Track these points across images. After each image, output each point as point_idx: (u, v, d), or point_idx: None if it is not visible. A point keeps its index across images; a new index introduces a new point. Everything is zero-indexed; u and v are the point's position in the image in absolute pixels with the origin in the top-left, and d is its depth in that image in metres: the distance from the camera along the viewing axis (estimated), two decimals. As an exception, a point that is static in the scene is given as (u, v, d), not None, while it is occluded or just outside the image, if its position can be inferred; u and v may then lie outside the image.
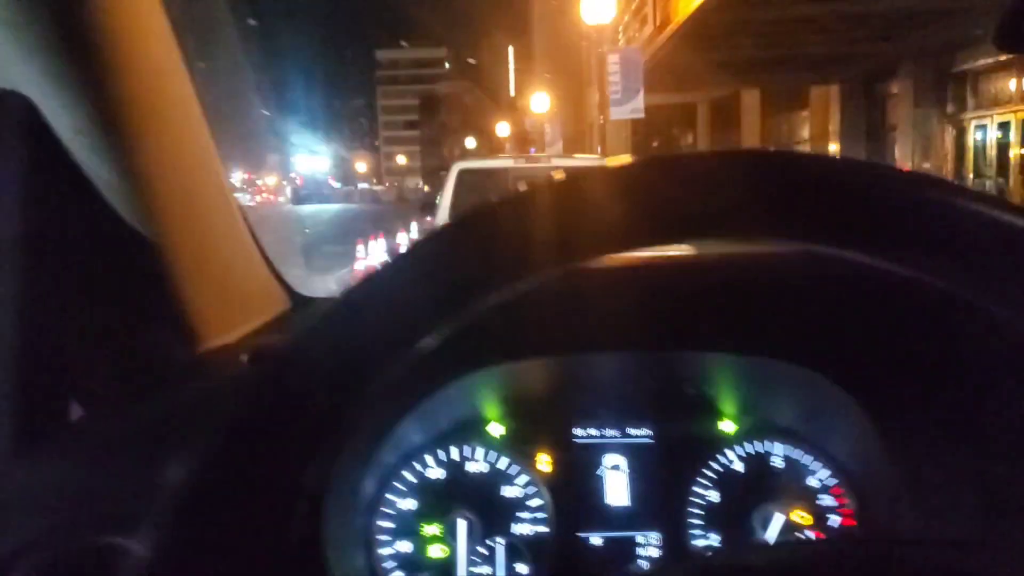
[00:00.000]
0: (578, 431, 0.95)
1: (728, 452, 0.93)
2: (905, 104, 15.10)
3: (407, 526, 0.90)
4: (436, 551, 0.89)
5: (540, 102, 31.86)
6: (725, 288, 0.84)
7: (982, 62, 13.22)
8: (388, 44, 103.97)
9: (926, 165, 14.54)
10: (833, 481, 0.91)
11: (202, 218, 0.90)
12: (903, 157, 15.25)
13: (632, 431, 0.95)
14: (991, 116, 13.36)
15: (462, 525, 0.88)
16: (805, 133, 19.91)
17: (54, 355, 0.77)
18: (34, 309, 0.73)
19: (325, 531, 0.77)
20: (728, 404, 0.95)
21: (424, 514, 0.90)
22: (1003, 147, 13.06)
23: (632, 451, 0.94)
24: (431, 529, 0.89)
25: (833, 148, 17.73)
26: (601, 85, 17.44)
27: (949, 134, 14.54)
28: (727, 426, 0.95)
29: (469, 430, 0.94)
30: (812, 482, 0.92)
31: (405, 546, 0.89)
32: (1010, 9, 0.86)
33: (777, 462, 0.93)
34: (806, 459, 0.92)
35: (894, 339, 0.78)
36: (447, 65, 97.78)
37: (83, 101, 0.72)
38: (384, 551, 0.89)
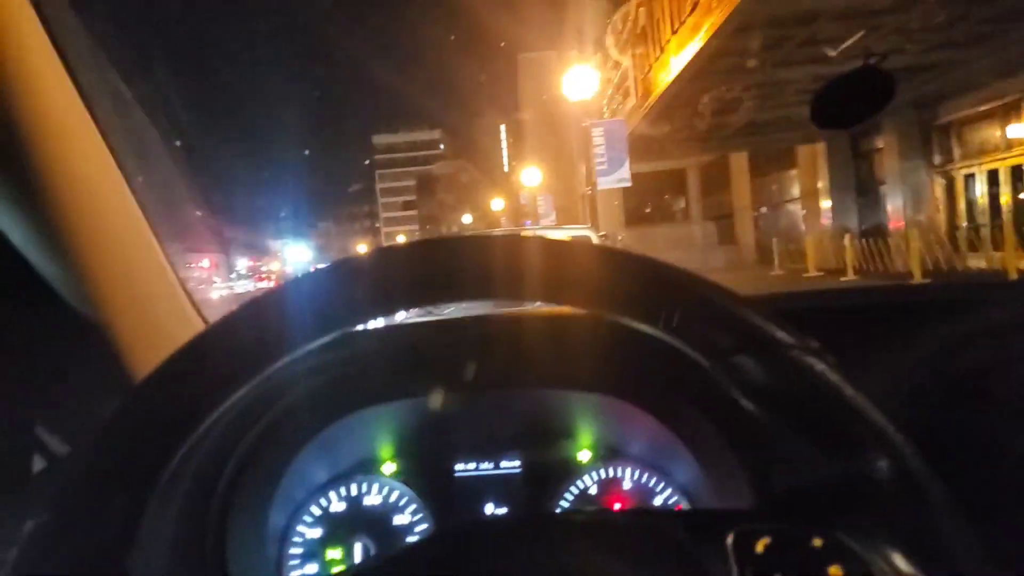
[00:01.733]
0: (459, 466, 1.07)
1: (585, 477, 1.05)
2: (892, 158, 15.18)
3: (313, 551, 1.02)
4: (337, 571, 1.01)
5: (532, 176, 32.30)
6: (565, 336, 0.97)
7: (964, 112, 13.31)
8: (384, 129, 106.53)
9: (920, 217, 14.48)
10: (675, 499, 1.03)
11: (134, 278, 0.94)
12: (894, 210, 15.23)
13: (504, 463, 1.07)
14: (979, 165, 13.37)
15: (359, 548, 1.01)
16: (796, 191, 19.99)
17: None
18: None
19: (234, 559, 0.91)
20: (585, 436, 1.07)
21: (328, 540, 1.02)
22: (993, 195, 13.02)
23: (504, 480, 1.06)
24: (334, 553, 1.02)
25: (825, 204, 17.76)
26: (587, 156, 17.64)
27: (939, 185, 14.54)
28: (584, 455, 1.06)
29: (366, 468, 1.06)
30: (657, 500, 1.04)
31: (312, 568, 1.01)
32: (821, 91, 1.00)
33: (627, 484, 1.05)
34: (652, 482, 1.04)
35: (689, 384, 0.91)
36: (442, 146, 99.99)
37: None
38: (293, 574, 1.00)
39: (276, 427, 0.95)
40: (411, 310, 0.52)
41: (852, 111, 1.03)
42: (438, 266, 0.48)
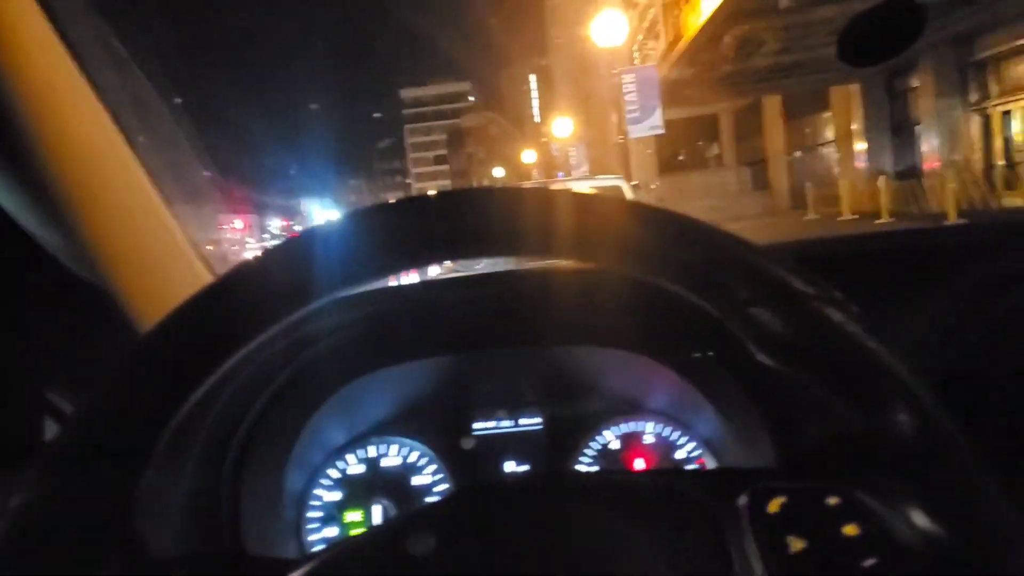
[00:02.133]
0: (477, 424, 1.08)
1: (606, 432, 1.07)
2: (927, 97, 14.88)
3: (332, 514, 1.03)
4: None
5: (563, 127, 32.00)
6: (586, 292, 0.96)
7: (1001, 48, 13.00)
8: (412, 83, 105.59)
9: (955, 156, 14.28)
10: (697, 452, 1.04)
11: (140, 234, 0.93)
12: (929, 150, 14.98)
13: (524, 420, 1.08)
14: (1016, 102, 13.10)
15: (378, 510, 1.02)
16: (830, 134, 19.70)
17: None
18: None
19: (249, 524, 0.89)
20: (606, 391, 1.08)
21: (347, 503, 1.03)
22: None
23: (524, 437, 1.07)
24: (353, 516, 1.03)
25: (859, 147, 17.52)
26: (619, 105, 17.55)
27: (975, 123, 14.26)
28: (605, 411, 1.08)
29: (384, 429, 1.07)
30: (680, 455, 1.05)
31: (331, 531, 1.02)
32: (848, 27, 0.97)
33: (649, 439, 1.06)
34: (674, 435, 1.06)
35: (709, 338, 0.91)
36: (471, 98, 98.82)
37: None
38: (312, 537, 1.01)
39: (290, 387, 0.95)
40: (432, 266, 0.49)
41: (880, 47, 0.98)
42: (462, 220, 0.45)
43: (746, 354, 0.47)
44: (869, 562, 0.41)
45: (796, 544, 0.43)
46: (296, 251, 0.46)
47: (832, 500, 0.43)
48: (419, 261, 0.46)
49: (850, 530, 0.42)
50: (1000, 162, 13.67)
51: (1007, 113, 13.47)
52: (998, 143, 13.74)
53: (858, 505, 0.42)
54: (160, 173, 0.99)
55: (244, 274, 0.45)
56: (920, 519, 0.40)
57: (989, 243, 1.00)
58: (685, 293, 0.46)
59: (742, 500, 0.45)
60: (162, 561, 0.48)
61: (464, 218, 0.46)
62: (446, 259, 0.48)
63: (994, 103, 13.69)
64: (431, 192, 0.47)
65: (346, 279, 0.45)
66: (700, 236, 0.46)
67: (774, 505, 0.44)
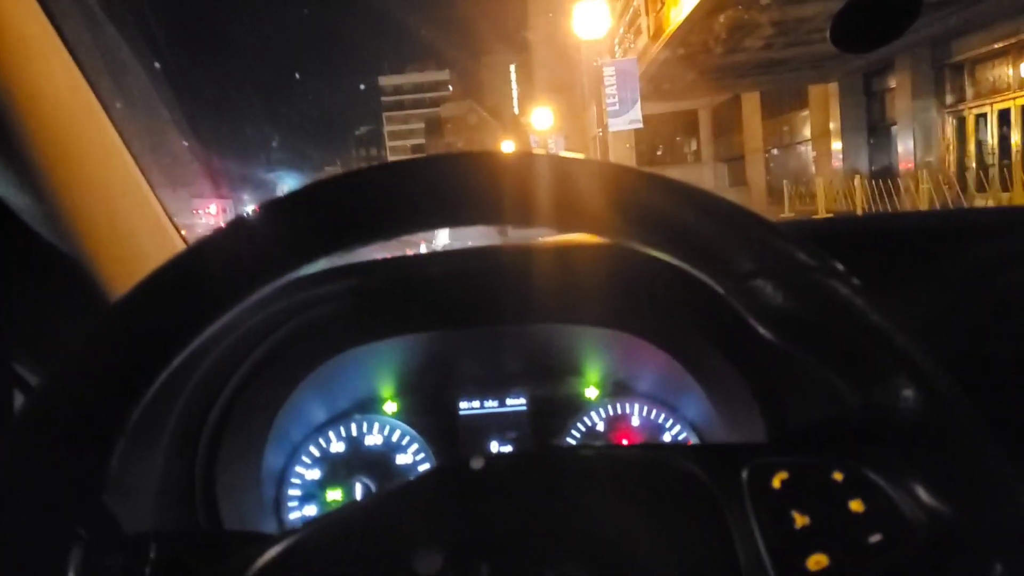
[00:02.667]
0: (463, 404, 1.07)
1: (592, 414, 1.06)
2: (903, 97, 15.08)
3: (312, 493, 1.02)
4: None
5: (542, 118, 32.01)
6: (573, 268, 0.94)
7: (977, 51, 13.20)
8: (391, 70, 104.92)
9: (930, 158, 14.49)
10: (684, 435, 1.04)
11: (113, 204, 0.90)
12: (905, 151, 15.20)
13: (510, 400, 1.07)
14: (990, 105, 13.31)
15: (359, 489, 1.01)
16: (807, 132, 19.89)
17: None
18: None
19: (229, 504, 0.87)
20: (592, 372, 1.07)
21: (327, 482, 1.02)
22: (1003, 135, 13.00)
23: (510, 418, 1.07)
24: (333, 494, 1.02)
25: (836, 145, 17.71)
26: (598, 98, 17.58)
27: (950, 125, 14.49)
28: (591, 391, 1.07)
29: (366, 408, 1.06)
30: (666, 437, 1.05)
31: (311, 510, 1.01)
32: (842, 10, 0.95)
33: (636, 421, 1.06)
34: (661, 418, 1.05)
35: (701, 316, 0.90)
36: (450, 88, 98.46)
37: None
38: (292, 516, 1.00)
39: (270, 362, 0.93)
40: (416, 235, 0.48)
41: (874, 31, 0.97)
42: (434, 186, 0.44)
43: (740, 331, 0.46)
44: (875, 538, 0.39)
45: (800, 519, 0.41)
46: (273, 216, 0.44)
47: (837, 475, 0.42)
48: (398, 227, 0.45)
49: (856, 506, 0.40)
50: (973, 164, 13.91)
51: (981, 116, 13.68)
52: (971, 145, 13.97)
53: (863, 480, 0.41)
54: (137, 140, 0.96)
55: (221, 240, 0.43)
56: (926, 495, 0.39)
57: (985, 225, 1.00)
58: (684, 265, 0.45)
59: (743, 475, 0.43)
60: (135, 537, 0.45)
61: (444, 184, 0.44)
62: (433, 226, 0.46)
63: (969, 106, 13.90)
64: (403, 159, 0.45)
65: (315, 250, 0.44)
66: (702, 205, 0.44)
67: (776, 480, 0.43)
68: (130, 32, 1.17)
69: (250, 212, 0.44)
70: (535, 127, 33.50)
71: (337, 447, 1.04)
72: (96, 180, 0.86)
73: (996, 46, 12.59)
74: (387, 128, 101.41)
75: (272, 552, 0.43)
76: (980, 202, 12.90)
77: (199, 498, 0.87)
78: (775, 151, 22.19)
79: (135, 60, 1.13)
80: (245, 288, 0.43)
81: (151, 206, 0.98)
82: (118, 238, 0.89)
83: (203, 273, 0.43)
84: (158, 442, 0.83)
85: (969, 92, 13.94)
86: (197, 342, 0.43)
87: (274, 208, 0.44)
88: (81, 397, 0.41)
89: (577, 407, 1.06)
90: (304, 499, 1.01)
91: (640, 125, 16.63)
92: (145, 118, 1.09)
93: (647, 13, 17.00)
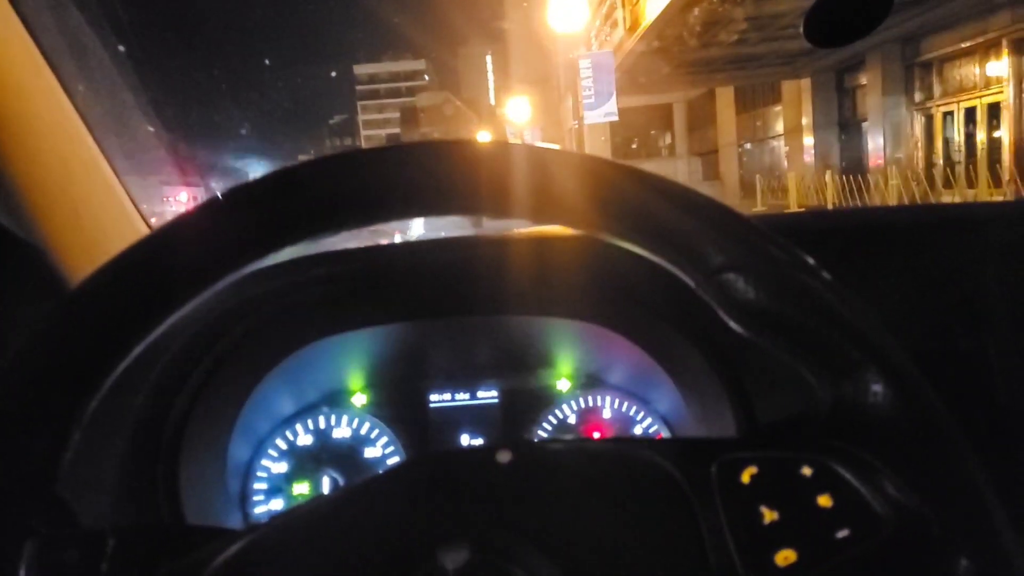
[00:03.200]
0: (434, 396, 1.05)
1: (564, 407, 1.05)
2: (874, 94, 15.29)
3: (279, 486, 1.00)
4: None
5: (518, 109, 31.97)
6: (545, 260, 0.93)
7: (946, 50, 13.41)
8: (366, 59, 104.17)
9: (899, 154, 14.72)
10: (655, 428, 1.03)
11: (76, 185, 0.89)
12: (875, 147, 15.42)
13: (481, 393, 1.06)
14: (957, 103, 13.55)
15: (327, 482, 0.99)
16: (780, 128, 20.09)
17: None
18: None
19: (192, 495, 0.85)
20: (564, 364, 1.06)
21: (294, 475, 1.01)
22: (969, 133, 13.25)
23: (480, 410, 1.06)
24: (300, 488, 1.00)
25: (808, 141, 17.92)
26: (574, 90, 17.58)
27: (918, 122, 14.72)
28: (563, 384, 1.06)
29: (335, 401, 1.04)
30: (637, 430, 1.04)
31: (277, 504, 1.00)
32: (815, 5, 0.95)
33: (607, 414, 1.05)
34: (632, 411, 1.04)
35: (673, 309, 0.90)
36: (426, 78, 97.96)
37: None
38: (258, 510, 0.98)
39: (236, 352, 0.91)
40: (390, 225, 0.47)
41: (847, 27, 0.97)
42: (406, 174, 0.43)
43: (711, 325, 0.47)
44: (843, 533, 0.39)
45: (769, 515, 0.41)
46: (240, 203, 0.43)
47: (806, 470, 0.41)
48: (369, 216, 0.44)
49: (824, 501, 0.40)
50: (940, 161, 14.15)
51: (948, 114, 13.92)
52: (939, 143, 14.22)
53: (831, 475, 0.41)
54: (100, 124, 0.95)
55: (184, 227, 0.42)
56: (894, 490, 0.39)
57: (954, 221, 1.01)
58: (655, 258, 0.45)
59: (712, 469, 0.43)
60: (91, 532, 0.44)
61: (417, 172, 0.43)
62: (404, 216, 0.45)
63: (937, 104, 14.14)
64: (385, 145, 0.44)
65: (292, 233, 0.43)
66: (674, 198, 0.44)
67: (746, 475, 0.42)
68: (94, 14, 1.13)
69: (215, 198, 0.43)
70: (511, 119, 33.46)
71: (305, 440, 1.02)
72: (57, 164, 0.84)
73: (963, 45, 12.81)
74: (362, 117, 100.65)
75: (235, 548, 0.42)
76: (947, 198, 13.13)
77: (161, 491, 0.85)
78: (748, 146, 22.41)
79: (99, 43, 1.12)
80: (208, 277, 0.42)
81: (115, 192, 0.96)
82: (80, 224, 0.87)
83: (165, 261, 0.42)
84: (119, 433, 0.81)
85: (937, 90, 14.17)
86: (159, 331, 0.42)
87: (241, 194, 0.43)
88: (35, 387, 0.40)
89: (549, 400, 1.05)
90: (270, 493, 1.00)
91: (615, 118, 16.68)
92: (109, 102, 1.07)
93: (623, 6, 17.02)
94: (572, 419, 1.05)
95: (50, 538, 0.40)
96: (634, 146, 27.51)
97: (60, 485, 0.41)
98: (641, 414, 1.04)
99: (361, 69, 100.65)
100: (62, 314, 0.41)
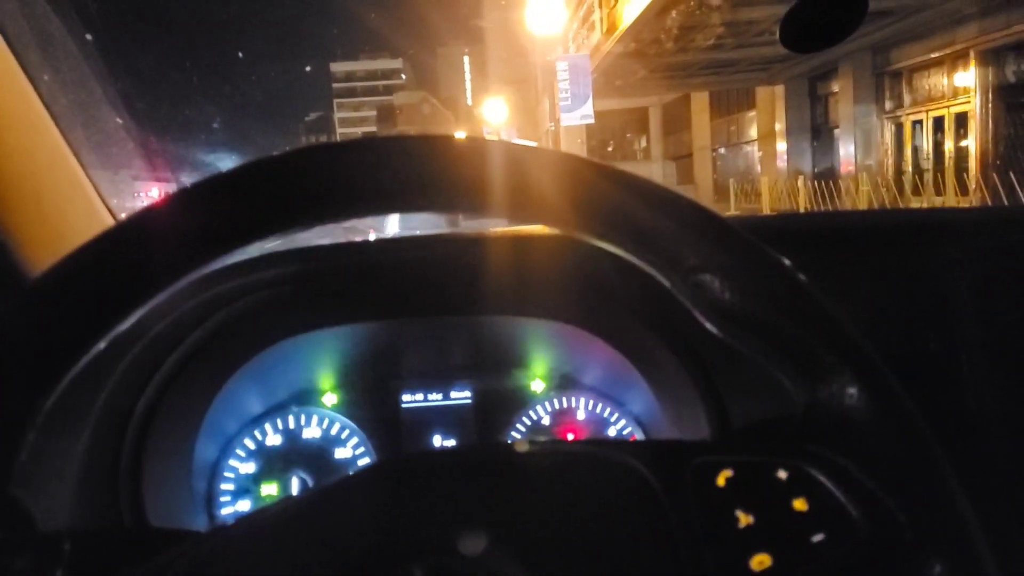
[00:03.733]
0: (406, 396, 1.04)
1: (538, 408, 1.04)
2: (846, 102, 15.50)
3: (246, 487, 0.98)
4: None
5: (495, 110, 31.96)
6: (520, 260, 0.92)
7: (915, 60, 13.64)
8: (345, 56, 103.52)
9: (869, 161, 14.95)
10: (629, 430, 1.03)
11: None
12: (846, 154, 15.63)
13: (454, 394, 1.05)
14: (926, 112, 13.79)
15: (295, 483, 0.98)
16: (753, 132, 20.29)
17: None
18: None
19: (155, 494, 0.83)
20: (539, 365, 1.05)
21: (262, 476, 0.99)
22: (938, 141, 13.49)
23: (454, 411, 1.04)
24: (268, 488, 0.98)
25: (781, 146, 18.12)
26: (551, 92, 17.63)
27: (888, 130, 14.96)
28: (537, 385, 1.05)
29: (305, 400, 1.03)
30: (611, 432, 1.03)
31: (244, 505, 0.98)
32: (791, 11, 0.98)
33: (581, 415, 1.05)
34: (606, 412, 1.04)
35: (649, 310, 0.89)
36: (404, 76, 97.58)
37: None
38: (225, 511, 0.96)
39: (204, 349, 0.89)
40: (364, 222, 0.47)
41: (821, 33, 0.99)
42: (380, 170, 0.43)
43: (687, 327, 0.45)
44: (818, 537, 0.39)
45: (744, 519, 0.40)
46: (208, 196, 0.41)
47: (781, 473, 0.41)
48: (340, 211, 0.43)
49: (799, 504, 0.40)
50: (909, 168, 14.39)
51: (917, 123, 14.16)
52: (908, 150, 14.46)
53: (807, 479, 0.41)
54: (66, 115, 0.92)
55: (148, 220, 0.41)
56: (869, 494, 0.39)
57: (928, 227, 1.01)
58: (631, 257, 0.45)
59: (687, 473, 0.42)
60: (48, 535, 0.42)
61: (391, 167, 0.43)
62: (376, 212, 0.45)
63: (906, 112, 14.37)
64: (364, 137, 0.44)
65: (260, 228, 0.42)
66: (650, 197, 0.44)
67: (721, 479, 0.42)
68: (61, 2, 1.11)
69: (182, 191, 0.41)
70: (488, 119, 33.43)
71: (273, 440, 1.01)
72: (20, 155, 0.81)
73: (932, 56, 13.03)
74: (338, 115, 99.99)
75: (199, 551, 0.41)
76: (916, 204, 13.36)
77: (123, 493, 0.83)
78: (722, 150, 22.61)
79: (66, 32, 1.09)
80: (173, 272, 0.41)
81: (81, 185, 0.94)
82: (43, 217, 0.84)
83: (127, 255, 0.40)
84: (79, 433, 0.78)
85: (907, 99, 14.41)
86: (120, 328, 0.40)
87: (209, 187, 0.42)
88: None
89: (523, 401, 1.04)
90: (237, 494, 0.98)
91: (592, 120, 16.75)
92: (76, 93, 1.04)
93: (600, 8, 17.08)
94: (546, 420, 1.04)
95: (2, 542, 0.39)
96: (610, 149, 27.66)
97: (14, 486, 0.39)
98: (615, 416, 1.03)
99: (338, 66, 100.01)
100: (16, 309, 0.39)
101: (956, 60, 12.64)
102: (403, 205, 0.44)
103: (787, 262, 0.44)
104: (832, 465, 0.41)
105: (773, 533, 0.40)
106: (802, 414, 0.43)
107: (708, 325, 0.44)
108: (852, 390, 0.41)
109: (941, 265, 0.91)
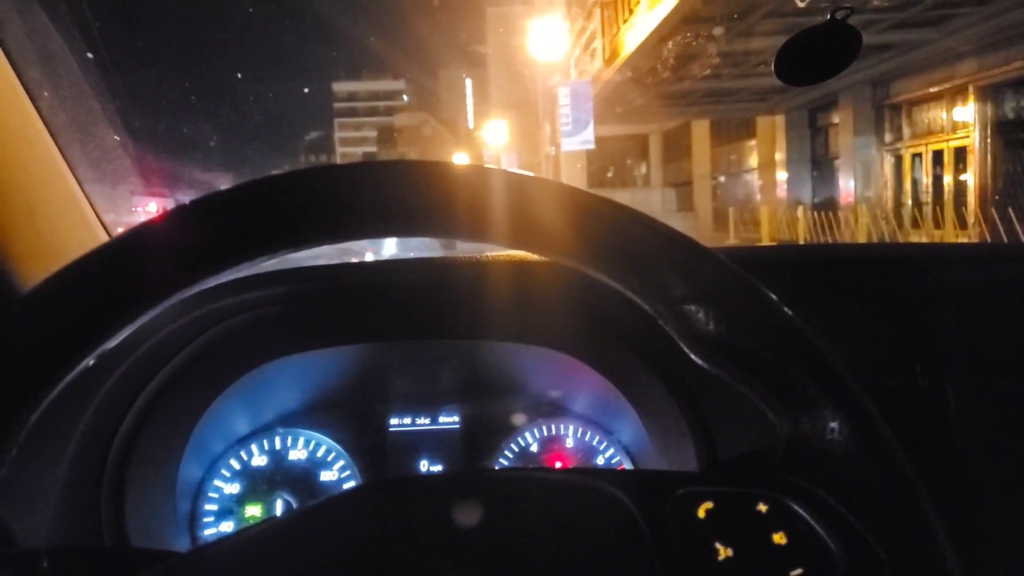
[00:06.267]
0: (393, 420, 1.04)
1: (527, 434, 1.04)
2: (846, 134, 15.61)
3: (230, 508, 0.97)
4: None
5: (497, 133, 32.14)
6: (511, 286, 0.93)
7: (915, 94, 13.76)
8: (347, 77, 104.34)
9: (869, 192, 15.03)
10: (617, 459, 1.02)
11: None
12: (845, 185, 15.73)
13: (442, 418, 1.04)
14: (925, 145, 13.89)
15: (280, 505, 0.97)
16: (753, 162, 20.42)
17: None
18: None
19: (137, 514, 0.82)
20: (528, 391, 1.05)
21: (247, 497, 0.98)
22: (937, 175, 13.57)
23: (441, 436, 1.04)
24: (253, 510, 0.98)
25: (781, 176, 18.23)
26: (552, 117, 17.76)
27: (888, 162, 15.06)
28: (526, 411, 1.05)
29: (291, 421, 1.02)
30: (599, 460, 1.03)
31: (227, 525, 0.97)
32: (786, 44, 0.98)
33: (569, 443, 1.04)
34: (595, 440, 1.03)
35: (638, 339, 0.90)
36: (405, 98, 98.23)
37: None
38: (208, 532, 0.95)
39: (191, 368, 0.88)
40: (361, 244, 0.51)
41: (816, 67, 0.99)
42: (375, 193, 0.43)
43: (675, 355, 0.45)
44: (796, 572, 0.39)
45: (723, 551, 0.40)
46: (202, 215, 0.42)
47: (762, 507, 0.42)
48: (338, 232, 0.44)
49: (778, 538, 0.40)
50: (908, 201, 14.46)
51: (917, 156, 14.26)
52: (907, 183, 14.54)
53: (787, 512, 0.41)
54: (64, 131, 0.93)
55: (139, 238, 0.41)
56: (848, 528, 0.39)
57: (917, 261, 1.02)
58: (618, 286, 0.45)
59: (668, 503, 0.43)
60: (25, 551, 0.42)
61: (387, 191, 0.43)
62: (367, 235, 0.45)
63: (906, 145, 14.47)
64: (364, 161, 0.44)
65: (253, 248, 0.42)
66: (638, 228, 0.45)
67: (702, 510, 0.42)
68: (63, 20, 1.12)
69: (177, 209, 0.42)
70: (489, 142, 33.60)
71: (259, 461, 1.00)
72: (16, 169, 0.82)
73: (931, 90, 13.15)
74: (338, 135, 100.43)
75: (175, 571, 0.40)
76: (915, 238, 13.40)
77: (105, 511, 0.82)
78: (722, 178, 22.74)
79: (67, 49, 1.10)
80: (163, 290, 0.41)
81: (76, 200, 0.94)
82: (36, 231, 0.84)
83: (117, 272, 0.40)
84: (63, 450, 0.78)
85: (906, 132, 14.52)
86: (108, 345, 0.41)
87: (204, 205, 0.42)
88: None
89: (511, 427, 1.04)
90: (221, 514, 0.97)
91: (592, 146, 16.88)
92: (76, 110, 1.05)
93: (602, 36, 17.26)
94: (534, 447, 1.03)
95: None
96: (610, 175, 27.80)
97: None
98: (604, 444, 1.03)
99: (340, 86, 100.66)
100: (3, 322, 0.40)
101: (955, 95, 12.76)
102: (401, 228, 0.45)
103: (771, 295, 0.45)
104: (812, 498, 0.41)
105: (752, 567, 0.40)
106: (785, 446, 0.43)
107: (693, 355, 0.45)
108: (834, 423, 0.41)
109: (930, 299, 0.91)
